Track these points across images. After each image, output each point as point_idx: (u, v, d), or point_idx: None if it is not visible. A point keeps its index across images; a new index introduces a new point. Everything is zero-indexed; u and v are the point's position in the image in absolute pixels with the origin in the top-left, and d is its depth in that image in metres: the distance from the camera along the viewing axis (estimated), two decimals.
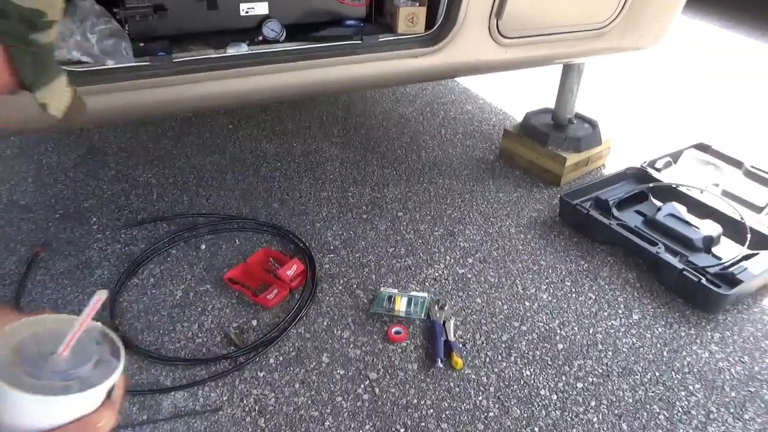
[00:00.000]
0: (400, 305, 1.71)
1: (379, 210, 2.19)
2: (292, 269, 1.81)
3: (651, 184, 2.22)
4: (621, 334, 1.69)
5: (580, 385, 1.53)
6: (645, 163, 2.32)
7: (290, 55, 1.56)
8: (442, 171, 2.47)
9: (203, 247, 1.97)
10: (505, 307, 1.78)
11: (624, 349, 1.64)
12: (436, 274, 1.90)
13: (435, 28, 1.74)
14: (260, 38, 1.59)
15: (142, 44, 1.48)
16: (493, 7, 1.74)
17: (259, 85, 1.53)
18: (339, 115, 2.88)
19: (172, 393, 1.47)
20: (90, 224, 2.05)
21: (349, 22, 1.71)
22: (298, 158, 2.50)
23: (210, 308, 1.73)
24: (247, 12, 1.59)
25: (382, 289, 1.79)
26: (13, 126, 1.30)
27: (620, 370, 1.57)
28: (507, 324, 1.71)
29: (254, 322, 1.69)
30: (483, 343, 1.64)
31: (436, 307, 1.74)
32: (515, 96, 3.14)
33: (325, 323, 1.69)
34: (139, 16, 1.46)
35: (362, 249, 1.99)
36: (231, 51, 1.52)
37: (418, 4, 1.73)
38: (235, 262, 1.91)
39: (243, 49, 1.54)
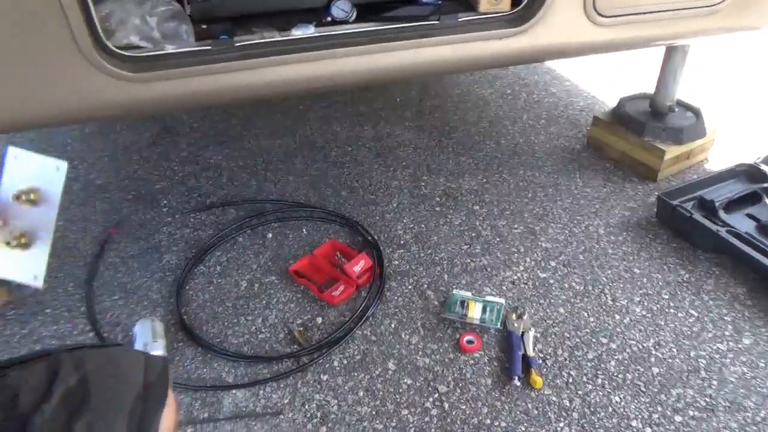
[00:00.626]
0: (474, 311, 1.57)
1: (453, 202, 2.05)
2: (359, 265, 1.71)
3: (766, 184, 1.94)
4: (728, 360, 1.48)
5: (678, 418, 1.35)
6: (759, 159, 2.04)
7: (361, 38, 1.43)
8: (523, 161, 2.28)
9: (270, 235, 1.91)
10: (592, 319, 1.60)
11: (732, 380, 1.43)
12: (515, 278, 1.74)
13: (522, 6, 1.56)
14: (328, 19, 1.47)
15: (203, 26, 1.39)
16: None
17: (327, 70, 1.41)
18: (413, 96, 2.73)
19: (234, 391, 1.42)
20: (161, 207, 2.04)
21: (424, 0, 1.55)
22: (369, 143, 2.39)
23: (275, 302, 1.67)
24: None
25: (454, 291, 1.66)
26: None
27: (727, 404, 1.37)
28: (594, 340, 1.54)
29: (319, 320, 1.61)
30: (566, 360, 1.48)
31: (514, 315, 1.59)
32: (606, 78, 2.86)
33: (392, 326, 1.59)
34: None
35: (434, 245, 1.86)
36: (297, 33, 1.41)
37: None
38: (302, 253, 1.83)
39: (310, 30, 1.42)
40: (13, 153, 0.89)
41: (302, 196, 2.08)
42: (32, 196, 0.92)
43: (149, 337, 1.48)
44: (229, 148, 2.35)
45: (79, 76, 1.19)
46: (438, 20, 1.46)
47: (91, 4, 1.13)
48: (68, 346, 0.69)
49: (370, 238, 1.87)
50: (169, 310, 1.64)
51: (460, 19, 1.49)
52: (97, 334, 1.56)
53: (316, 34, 1.40)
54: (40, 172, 0.93)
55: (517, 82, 2.88)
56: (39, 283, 1.01)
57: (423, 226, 1.94)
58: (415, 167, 2.24)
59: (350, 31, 1.43)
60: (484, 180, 2.17)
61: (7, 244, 0.95)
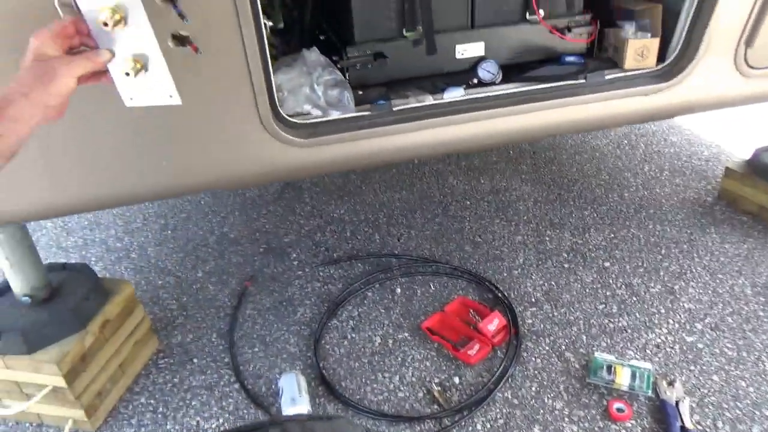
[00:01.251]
0: (622, 377, 1.50)
1: (582, 258, 1.99)
2: (493, 323, 1.69)
3: None
4: None
5: None
6: None
7: (508, 99, 1.45)
8: (651, 214, 2.20)
9: (398, 291, 1.93)
10: (751, 389, 1.49)
11: None
12: (659, 341, 1.65)
13: (669, 62, 1.53)
14: (475, 81, 1.51)
15: (360, 92, 1.47)
16: (743, 33, 1.49)
17: (477, 131, 1.44)
18: (526, 149, 2.72)
19: None
20: (291, 260, 2.11)
21: (568, 59, 1.56)
22: (488, 196, 2.39)
23: (410, 359, 1.66)
24: (462, 54, 1.52)
25: (596, 354, 1.59)
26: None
27: None
28: (756, 413, 1.42)
29: (456, 380, 1.59)
30: None
31: (665, 382, 1.50)
32: (728, 126, 2.74)
33: (533, 389, 1.54)
34: (359, 64, 1.45)
35: (567, 303, 1.80)
36: (448, 96, 1.45)
37: (649, 35, 1.53)
38: (431, 309, 1.83)
39: (460, 93, 1.46)
40: None
41: (426, 250, 2.10)
42: (117, 16, 0.88)
43: (296, 392, 1.52)
44: (351, 202, 2.43)
45: (255, 143, 1.28)
46: (584, 79, 1.46)
47: (272, 78, 1.23)
48: (293, 417, 0.71)
49: (500, 295, 1.84)
50: (307, 363, 1.68)
51: (606, 78, 1.48)
52: (243, 387, 1.62)
53: (466, 97, 1.44)
54: None
55: (633, 131, 2.81)
56: (177, 100, 0.98)
57: (553, 283, 1.90)
58: (537, 221, 2.21)
59: (498, 93, 1.45)
60: (612, 235, 2.10)
61: (127, 74, 0.92)
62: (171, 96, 0.99)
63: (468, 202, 2.36)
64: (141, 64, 0.94)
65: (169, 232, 2.35)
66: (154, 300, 1.98)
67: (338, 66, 1.46)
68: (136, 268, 2.15)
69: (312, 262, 2.09)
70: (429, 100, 1.45)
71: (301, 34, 1.43)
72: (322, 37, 1.68)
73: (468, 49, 1.51)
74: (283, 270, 2.07)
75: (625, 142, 2.73)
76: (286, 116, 1.32)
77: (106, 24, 0.88)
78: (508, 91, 1.46)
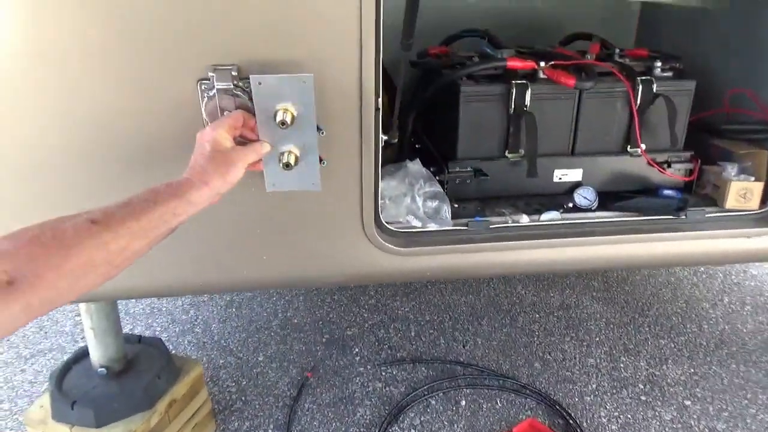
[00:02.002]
0: None
1: (659, 392, 1.89)
2: None
3: None
4: None
5: None
6: None
7: (604, 227, 1.45)
8: (733, 352, 2.08)
9: (463, 403, 1.86)
10: None
11: None
12: None
13: None
14: (571, 205, 1.51)
15: (456, 205, 1.49)
16: None
17: (570, 255, 1.42)
18: None
19: None
20: (353, 354, 2.08)
21: (666, 192, 1.56)
22: (557, 311, 2.33)
23: None
24: (560, 178, 1.54)
25: None
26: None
27: None
28: None
29: None
30: None
31: None
32: None
33: None
34: (459, 180, 1.48)
35: None
36: (545, 218, 1.45)
37: (753, 178, 1.52)
38: (497, 427, 1.75)
39: (556, 216, 1.46)
40: (257, 80, 0.97)
41: (493, 362, 2.04)
42: (287, 115, 0.98)
43: None
44: (416, 301, 2.41)
45: (354, 247, 1.30)
46: (684, 215, 1.44)
47: (380, 187, 1.26)
48: None
49: (572, 422, 1.75)
50: None
51: (707, 216, 1.46)
52: None
53: (562, 221, 1.44)
54: (288, 90, 0.99)
55: None
56: (318, 187, 1.10)
57: (629, 416, 1.79)
58: (610, 345, 2.12)
59: (594, 220, 1.45)
60: (692, 370, 1.99)
61: (286, 166, 1.03)
62: (314, 183, 1.10)
63: (537, 315, 2.30)
64: (296, 156, 1.04)
65: (234, 309, 2.37)
66: (215, 380, 1.96)
67: (438, 178, 1.49)
68: (199, 344, 2.16)
69: (374, 359, 2.05)
70: (525, 220, 1.46)
71: (401, 144, 1.48)
72: (417, 146, 1.74)
73: (566, 175, 1.53)
74: (344, 364, 2.04)
75: (702, 269, 2.65)
76: (386, 223, 1.34)
77: (283, 123, 0.97)
78: (605, 220, 1.46)
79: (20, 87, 1.05)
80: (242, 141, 1.04)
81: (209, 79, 1.03)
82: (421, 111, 1.60)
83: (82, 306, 1.46)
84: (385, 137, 1.26)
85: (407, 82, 1.72)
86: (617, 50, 1.64)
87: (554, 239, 1.41)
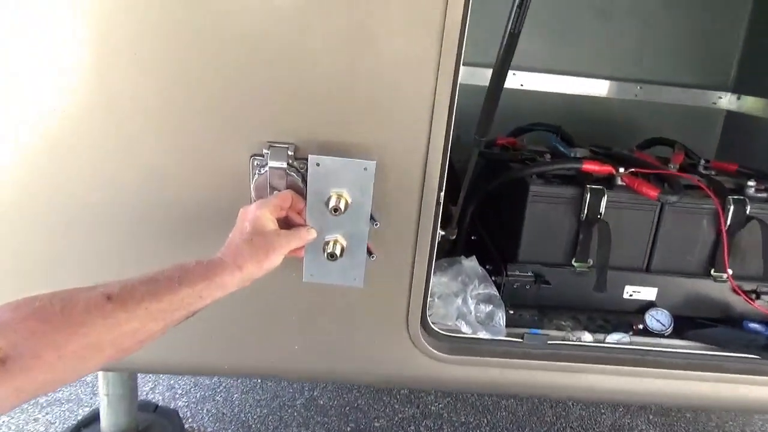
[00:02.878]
0: None
1: None
2: None
3: None
4: None
5: None
6: None
7: (681, 359, 1.27)
8: None
9: None
10: None
11: None
12: None
13: None
14: (641, 327, 1.34)
15: (511, 311, 1.35)
16: None
17: (633, 386, 1.25)
18: None
19: None
20: None
21: (752, 325, 1.37)
22: (607, 431, 2.09)
23: None
24: (630, 295, 1.38)
25: None
26: None
27: None
28: None
29: None
30: None
31: None
32: None
33: None
34: (518, 284, 1.35)
35: None
36: (611, 340, 1.29)
37: None
38: None
39: (623, 339, 1.30)
40: (315, 160, 0.84)
41: None
42: (341, 201, 0.89)
43: None
44: (452, 397, 2.22)
45: (395, 347, 1.19)
46: None
47: (430, 288, 1.15)
48: None
49: None
50: None
51: None
52: None
53: (631, 347, 1.27)
54: (346, 175, 0.89)
55: None
56: (360, 283, 1.00)
57: None
58: None
59: (668, 349, 1.28)
60: None
61: (331, 257, 0.93)
62: (356, 279, 1.01)
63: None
64: (343, 247, 0.96)
65: (259, 381, 2.24)
66: None
67: (493, 279, 1.37)
68: (217, 414, 2.03)
69: None
70: (587, 338, 1.30)
71: (458, 238, 1.37)
72: (473, 237, 1.63)
73: (638, 292, 1.38)
74: None
75: None
76: (432, 325, 1.22)
77: (336, 210, 0.90)
78: (682, 351, 1.28)
79: (75, 143, 1.01)
80: (287, 224, 0.96)
81: (263, 156, 0.96)
82: (483, 203, 1.50)
83: (99, 372, 1.37)
84: (442, 233, 1.16)
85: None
86: (702, 161, 1.51)
87: (620, 366, 1.24)
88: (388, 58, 0.94)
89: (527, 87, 1.93)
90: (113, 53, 0.94)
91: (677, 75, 1.97)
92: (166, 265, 0.80)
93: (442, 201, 1.07)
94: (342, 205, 0.91)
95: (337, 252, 0.95)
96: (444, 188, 1.06)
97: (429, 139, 0.99)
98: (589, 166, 1.31)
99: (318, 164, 0.91)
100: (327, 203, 0.92)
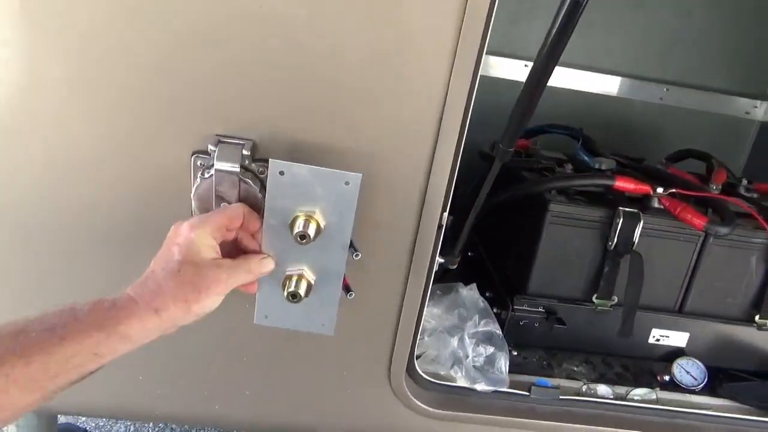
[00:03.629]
0: None
1: None
2: None
3: None
4: None
5: None
6: None
7: (714, 422, 1.05)
8: None
9: None
10: None
11: None
12: None
13: None
14: (666, 378, 1.12)
15: (515, 353, 1.13)
16: None
17: None
18: None
19: None
20: None
21: None
22: None
23: None
24: (657, 340, 1.16)
25: None
26: None
27: None
28: None
29: None
30: None
31: None
32: None
33: None
34: (526, 321, 1.11)
35: None
36: (635, 395, 1.07)
37: None
38: None
39: (648, 395, 1.07)
40: (277, 167, 0.59)
41: None
42: (311, 225, 0.66)
43: None
44: None
45: (373, 399, 0.96)
46: None
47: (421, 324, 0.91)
48: None
49: None
50: None
51: None
52: None
53: (659, 407, 1.05)
54: (321, 189, 0.65)
55: None
56: (329, 331, 0.75)
57: None
58: None
59: (702, 410, 1.06)
60: None
61: (292, 297, 0.69)
62: (324, 324, 0.76)
63: None
64: (309, 284, 0.71)
65: None
66: None
67: (495, 310, 1.13)
68: None
69: None
70: (604, 391, 1.08)
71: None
72: (470, 254, 1.39)
73: (667, 337, 1.16)
74: None
75: None
76: (420, 371, 0.98)
77: (303, 237, 0.66)
78: (718, 414, 1.06)
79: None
80: (236, 249, 0.71)
81: (209, 154, 0.70)
82: (486, 215, 1.25)
83: None
84: (441, 260, 0.91)
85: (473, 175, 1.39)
86: (744, 181, 1.28)
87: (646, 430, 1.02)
88: (389, 33, 0.69)
89: None
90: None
91: (709, 79, 1.73)
92: (77, 293, 0.59)
93: (444, 224, 0.83)
94: (311, 231, 0.66)
95: (301, 291, 0.70)
96: (448, 208, 0.82)
97: (435, 144, 0.75)
98: (623, 184, 1.07)
99: (282, 172, 0.66)
100: (291, 226, 0.67)
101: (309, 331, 0.77)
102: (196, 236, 0.63)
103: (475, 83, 0.73)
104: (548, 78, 0.71)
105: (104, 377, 0.65)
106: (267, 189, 0.67)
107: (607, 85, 1.75)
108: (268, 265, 0.70)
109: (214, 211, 0.67)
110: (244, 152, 0.70)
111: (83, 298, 0.60)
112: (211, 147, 0.70)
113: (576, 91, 1.74)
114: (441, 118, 0.73)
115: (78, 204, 0.78)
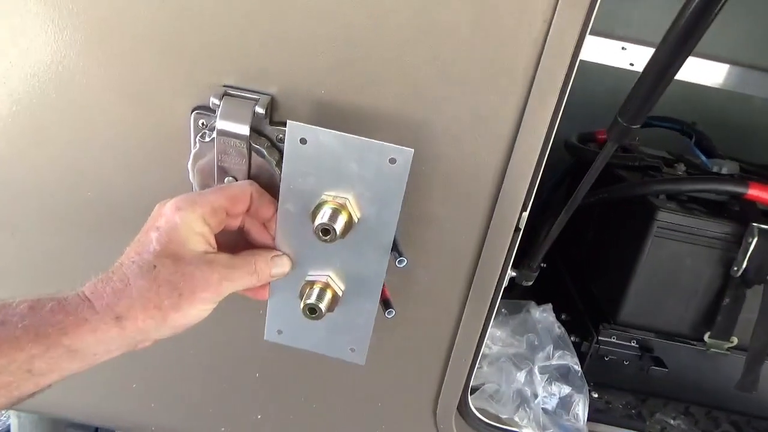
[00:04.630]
0: None
1: None
2: None
3: None
4: None
5: None
6: None
7: None
8: None
9: None
10: None
11: None
12: None
13: None
14: None
15: (595, 395, 0.90)
16: None
17: None
18: None
19: None
20: None
21: None
22: None
23: None
24: None
25: None
26: None
27: None
28: None
29: None
30: None
31: None
32: None
33: None
34: (612, 357, 0.88)
35: None
36: None
37: None
38: None
39: None
40: (298, 132, 0.47)
41: None
42: (341, 216, 0.47)
43: None
44: None
45: None
46: None
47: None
48: None
49: None
50: None
51: None
52: None
53: None
54: (356, 167, 0.47)
55: None
56: (360, 359, 0.57)
57: None
58: None
59: None
60: None
61: (311, 312, 0.51)
62: (354, 350, 0.58)
63: None
64: (336, 295, 0.53)
65: None
66: None
67: (573, 339, 0.90)
68: None
69: None
70: None
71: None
72: (543, 265, 1.16)
73: None
74: None
75: None
76: (474, 409, 0.77)
77: (326, 232, 0.47)
78: None
79: None
80: (243, 241, 0.53)
81: (213, 111, 0.52)
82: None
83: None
84: (513, 274, 0.71)
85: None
86: None
87: None
88: None
89: (639, 67, 1.42)
90: None
91: None
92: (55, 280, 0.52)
93: (523, 226, 0.62)
94: (339, 225, 0.48)
95: (323, 305, 0.52)
96: (529, 206, 0.61)
97: (520, 122, 0.53)
98: (759, 193, 0.82)
99: (303, 140, 0.47)
100: (313, 216, 0.48)
101: (333, 356, 0.58)
102: (182, 220, 0.46)
103: (582, 42, 0.51)
104: (697, 40, 0.48)
105: (90, 379, 0.49)
106: (284, 163, 0.48)
107: (719, 75, 1.46)
108: (282, 266, 0.52)
109: (211, 189, 0.49)
110: (257, 110, 0.51)
111: (61, 288, 0.44)
112: (214, 101, 0.52)
113: (680, 81, 1.46)
114: (531, 84, 0.52)
115: (58, 173, 0.62)
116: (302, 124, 0.47)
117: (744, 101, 1.47)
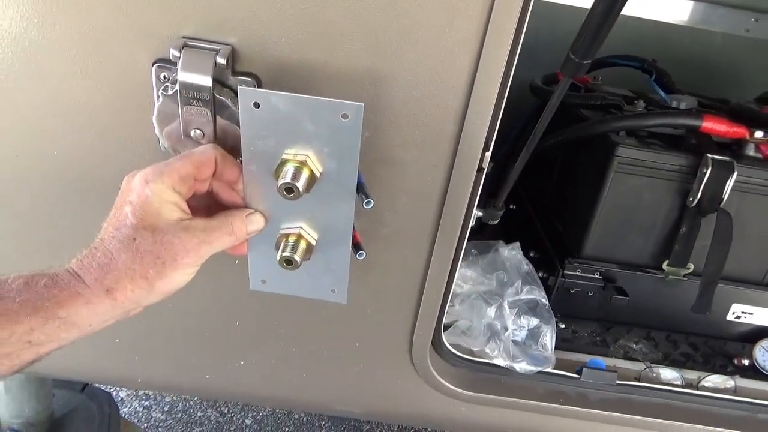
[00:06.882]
0: None
1: None
2: None
3: None
4: None
5: None
6: None
7: None
8: None
9: None
10: None
11: None
12: None
13: None
14: (745, 363, 0.94)
15: (563, 325, 0.95)
16: None
17: None
18: None
19: None
20: None
21: None
22: None
23: None
24: (737, 317, 0.96)
25: None
26: None
27: None
28: None
29: None
30: None
31: None
32: None
33: None
34: (577, 289, 0.93)
35: None
36: (708, 384, 0.89)
37: None
38: None
39: (728, 384, 0.89)
40: (250, 97, 0.48)
41: None
42: (302, 173, 0.50)
43: None
44: None
45: (393, 378, 0.81)
46: None
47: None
48: None
49: None
50: None
51: None
52: None
53: (736, 398, 0.87)
54: (311, 126, 0.49)
55: None
56: (341, 298, 0.61)
57: None
58: None
59: None
60: None
61: (287, 263, 0.54)
62: (334, 291, 0.61)
63: None
64: (309, 244, 0.55)
65: None
66: None
67: (541, 274, 0.95)
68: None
69: None
70: (670, 375, 0.90)
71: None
72: (512, 207, 1.19)
73: (750, 314, 0.96)
74: None
75: None
76: (448, 345, 0.81)
77: (290, 190, 0.48)
78: None
79: None
80: (214, 203, 0.54)
81: (174, 63, 0.52)
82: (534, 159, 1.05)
83: None
84: (479, 213, 0.73)
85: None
86: None
87: (721, 429, 0.84)
88: None
89: None
90: None
91: None
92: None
93: (486, 166, 0.64)
94: (301, 182, 0.49)
95: (297, 256, 0.54)
96: (491, 146, 0.63)
97: (478, 60, 0.55)
98: (713, 125, 0.85)
99: (257, 104, 0.48)
100: (276, 175, 0.50)
101: (316, 297, 0.61)
102: (152, 192, 0.47)
103: None
104: None
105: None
106: (241, 127, 0.49)
107: (681, 11, 1.48)
108: (257, 222, 0.54)
109: (175, 157, 0.50)
110: (219, 60, 0.52)
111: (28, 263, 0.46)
112: (174, 53, 0.52)
113: (642, 19, 1.48)
114: (486, 27, 0.53)
115: (22, 133, 0.61)
116: (253, 89, 0.48)
117: (706, 37, 1.49)
